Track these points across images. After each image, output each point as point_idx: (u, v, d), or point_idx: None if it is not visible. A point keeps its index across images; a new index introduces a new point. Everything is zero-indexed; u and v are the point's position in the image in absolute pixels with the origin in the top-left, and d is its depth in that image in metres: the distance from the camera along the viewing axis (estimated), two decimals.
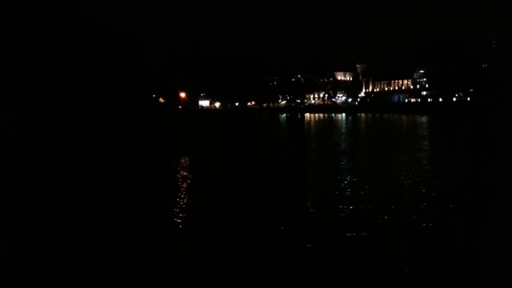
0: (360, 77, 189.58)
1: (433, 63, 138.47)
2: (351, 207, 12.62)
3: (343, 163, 22.11)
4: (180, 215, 12.50)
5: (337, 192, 14.75)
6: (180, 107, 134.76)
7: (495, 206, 12.57)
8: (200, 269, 8.61)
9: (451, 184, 15.98)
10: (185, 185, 17.55)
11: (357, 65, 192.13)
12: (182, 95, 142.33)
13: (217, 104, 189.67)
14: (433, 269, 8.19)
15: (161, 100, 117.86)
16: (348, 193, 14.60)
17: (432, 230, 10.43)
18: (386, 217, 11.54)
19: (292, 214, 12.25)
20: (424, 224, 10.87)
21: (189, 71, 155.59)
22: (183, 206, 13.70)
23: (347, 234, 10.16)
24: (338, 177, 17.68)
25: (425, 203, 13.02)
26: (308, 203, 13.50)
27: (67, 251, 9.78)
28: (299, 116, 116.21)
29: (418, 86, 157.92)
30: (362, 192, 14.58)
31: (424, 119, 76.41)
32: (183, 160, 25.70)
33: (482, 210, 12.16)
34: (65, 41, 66.32)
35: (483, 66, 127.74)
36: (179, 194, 15.56)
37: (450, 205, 12.78)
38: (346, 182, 16.58)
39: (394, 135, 42.91)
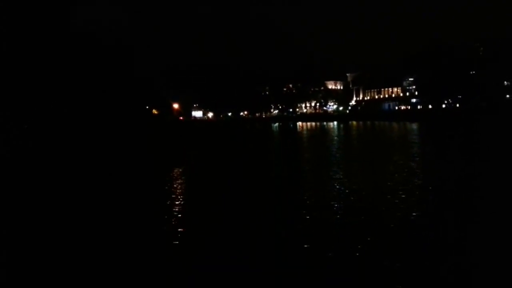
0: (350, 86, 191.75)
1: (422, 70, 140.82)
2: (343, 219, 12.56)
3: (336, 172, 22.11)
4: (174, 227, 12.51)
5: (330, 203, 14.63)
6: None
7: (489, 214, 12.53)
8: (195, 280, 8.78)
9: (443, 193, 15.89)
10: (178, 196, 17.61)
11: (347, 74, 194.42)
12: (175, 106, 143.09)
13: (210, 115, 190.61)
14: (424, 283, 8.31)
15: (154, 111, 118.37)
16: (341, 204, 14.46)
17: (423, 244, 10.28)
18: (377, 229, 11.45)
19: (286, 226, 12.29)
20: (415, 237, 10.75)
21: (181, 82, 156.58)
22: (177, 217, 13.78)
23: (343, 247, 10.11)
24: (331, 186, 17.63)
25: (415, 214, 12.96)
26: (302, 211, 13.50)
27: (62, 257, 10.15)
28: (291, 125, 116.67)
29: (407, 94, 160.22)
30: (354, 202, 14.58)
31: (414, 126, 77.17)
32: (177, 171, 25.77)
33: (476, 221, 12.06)
34: (61, 52, 66.66)
35: (471, 73, 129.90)
36: (172, 206, 15.54)
37: (443, 216, 12.70)
38: (338, 192, 16.47)
39: (386, 142, 43.09)
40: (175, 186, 19.87)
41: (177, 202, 16.21)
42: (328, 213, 13.36)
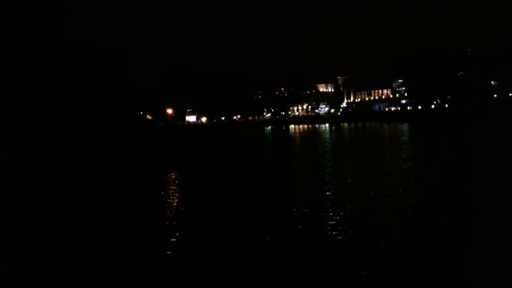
0: (341, 88, 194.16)
1: (411, 72, 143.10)
2: (338, 231, 12.01)
3: (330, 174, 22.16)
4: (168, 234, 12.78)
5: (323, 212, 14.16)
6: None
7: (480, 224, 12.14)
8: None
9: (437, 200, 15.40)
10: (173, 202, 17.79)
11: (338, 77, 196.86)
12: (169, 111, 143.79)
13: (204, 119, 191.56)
14: None
15: (148, 117, 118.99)
16: (334, 214, 13.78)
17: (415, 258, 9.86)
18: (372, 242, 10.98)
19: (279, 236, 12.11)
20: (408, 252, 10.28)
21: (175, 87, 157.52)
22: (169, 224, 14.03)
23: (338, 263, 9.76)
24: (324, 192, 17.36)
25: (409, 225, 12.39)
26: (295, 221, 13.38)
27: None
28: (284, 128, 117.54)
29: (397, 95, 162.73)
30: (348, 213, 14.05)
31: (405, 127, 78.25)
32: (171, 176, 25.94)
33: (475, 223, 11.81)
34: (57, 56, 67.25)
35: (459, 74, 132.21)
36: (167, 212, 15.75)
37: (437, 227, 12.20)
38: (331, 199, 16.00)
39: (378, 144, 42.96)
40: (169, 191, 20.32)
41: (170, 208, 16.52)
42: (324, 220, 13.20)
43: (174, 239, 12.33)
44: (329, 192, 17.65)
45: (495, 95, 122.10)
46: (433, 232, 11.66)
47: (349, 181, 20.37)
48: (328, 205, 15.09)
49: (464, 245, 10.45)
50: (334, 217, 13.41)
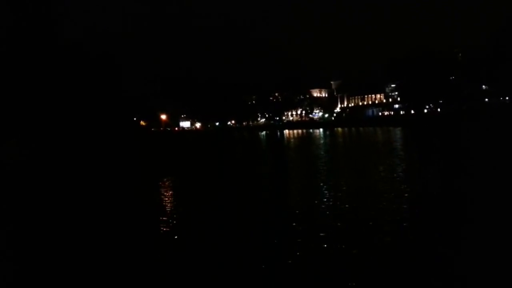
0: (335, 93, 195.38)
1: (403, 77, 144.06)
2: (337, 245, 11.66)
3: (326, 186, 21.28)
4: (163, 241, 12.85)
5: (319, 223, 13.85)
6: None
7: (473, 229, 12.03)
8: None
9: (432, 208, 15.07)
10: (168, 207, 17.84)
11: (331, 82, 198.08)
12: (163, 117, 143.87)
13: (198, 125, 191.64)
14: None
15: (142, 123, 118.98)
16: (331, 230, 13.13)
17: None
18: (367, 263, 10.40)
19: (274, 249, 11.82)
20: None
21: (169, 93, 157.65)
22: (166, 230, 14.02)
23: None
24: (321, 202, 17.08)
25: (404, 241, 11.81)
26: (291, 234, 12.99)
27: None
28: (279, 133, 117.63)
29: (390, 100, 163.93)
30: (344, 225, 13.58)
31: (398, 131, 78.80)
32: (166, 182, 25.92)
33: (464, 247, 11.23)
34: (49, 63, 67.04)
35: (451, 78, 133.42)
36: (161, 217, 15.72)
37: (433, 240, 11.78)
38: (327, 212, 15.43)
39: (372, 149, 42.70)
40: (164, 197, 20.42)
41: (165, 214, 16.51)
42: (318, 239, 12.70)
43: (171, 240, 12.55)
44: (326, 202, 17.35)
45: (486, 99, 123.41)
46: (429, 245, 11.35)
47: (344, 188, 20.35)
48: (326, 215, 14.96)
49: (462, 260, 10.17)
50: (333, 228, 13.20)
